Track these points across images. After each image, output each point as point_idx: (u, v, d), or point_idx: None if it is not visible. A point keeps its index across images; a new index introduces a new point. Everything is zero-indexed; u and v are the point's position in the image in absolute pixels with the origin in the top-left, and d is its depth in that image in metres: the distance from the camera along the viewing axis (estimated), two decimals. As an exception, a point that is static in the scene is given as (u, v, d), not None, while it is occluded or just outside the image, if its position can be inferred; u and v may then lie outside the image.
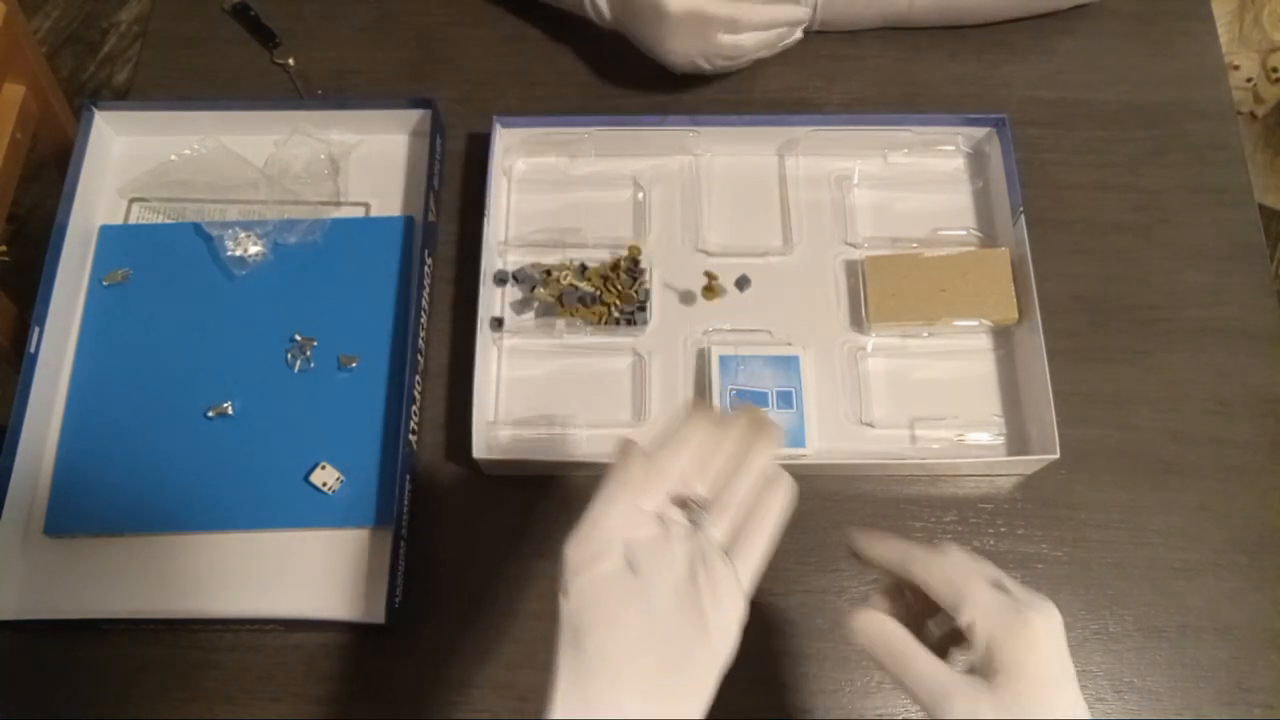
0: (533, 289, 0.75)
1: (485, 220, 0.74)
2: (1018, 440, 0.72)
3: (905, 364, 0.75)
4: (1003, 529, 0.71)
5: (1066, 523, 0.71)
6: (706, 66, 0.80)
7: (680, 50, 0.78)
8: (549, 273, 0.75)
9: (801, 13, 0.80)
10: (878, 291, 0.74)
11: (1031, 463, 0.70)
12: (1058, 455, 0.68)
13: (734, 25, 0.76)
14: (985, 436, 0.72)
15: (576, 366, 0.75)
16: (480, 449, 0.69)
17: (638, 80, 0.85)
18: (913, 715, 0.66)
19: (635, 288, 0.75)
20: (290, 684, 0.67)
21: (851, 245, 0.78)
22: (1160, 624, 0.68)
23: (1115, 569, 0.70)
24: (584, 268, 0.75)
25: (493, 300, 0.76)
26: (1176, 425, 0.74)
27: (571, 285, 0.74)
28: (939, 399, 0.73)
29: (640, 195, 0.80)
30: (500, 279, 0.77)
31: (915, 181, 0.80)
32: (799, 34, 0.82)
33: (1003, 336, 0.76)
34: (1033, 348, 0.71)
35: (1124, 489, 0.72)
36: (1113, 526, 0.71)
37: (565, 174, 0.81)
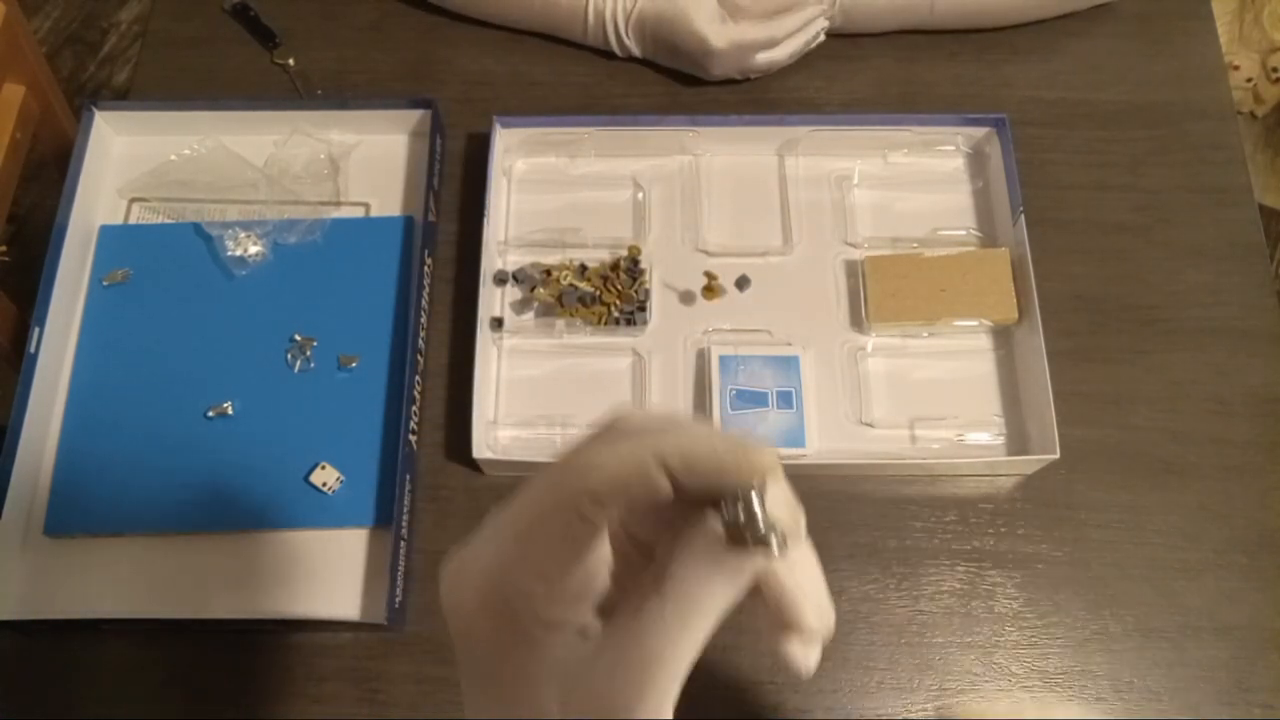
0: (532, 289, 0.75)
1: (485, 220, 0.74)
2: (1018, 440, 0.72)
3: (905, 364, 0.75)
4: (1003, 529, 0.71)
5: (1066, 523, 0.71)
6: (740, 79, 0.84)
7: (721, 74, 0.82)
8: (549, 273, 0.75)
9: (823, 21, 0.82)
10: (878, 291, 0.74)
11: (1031, 463, 0.70)
12: (1058, 455, 0.68)
13: (771, 43, 0.80)
14: (985, 436, 0.73)
15: (576, 366, 0.75)
16: (480, 449, 0.69)
17: (637, 80, 0.85)
18: (913, 715, 0.66)
19: (635, 288, 0.75)
20: (290, 684, 0.67)
21: (851, 245, 0.78)
22: (1160, 624, 0.68)
23: (1115, 569, 0.70)
24: (584, 268, 0.75)
25: (492, 300, 0.76)
26: (1176, 425, 0.74)
27: (571, 285, 0.74)
28: (939, 399, 0.73)
29: (640, 195, 0.80)
30: (500, 279, 0.77)
31: (915, 181, 0.80)
32: (822, 37, 0.83)
33: (1003, 336, 0.76)
34: (1033, 348, 0.71)
35: (1124, 489, 0.72)
36: (1113, 526, 0.71)
37: (565, 174, 0.81)
